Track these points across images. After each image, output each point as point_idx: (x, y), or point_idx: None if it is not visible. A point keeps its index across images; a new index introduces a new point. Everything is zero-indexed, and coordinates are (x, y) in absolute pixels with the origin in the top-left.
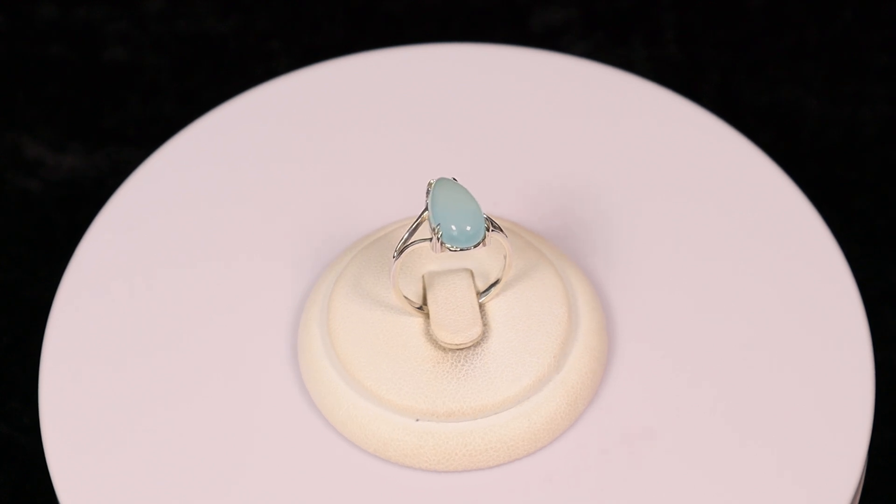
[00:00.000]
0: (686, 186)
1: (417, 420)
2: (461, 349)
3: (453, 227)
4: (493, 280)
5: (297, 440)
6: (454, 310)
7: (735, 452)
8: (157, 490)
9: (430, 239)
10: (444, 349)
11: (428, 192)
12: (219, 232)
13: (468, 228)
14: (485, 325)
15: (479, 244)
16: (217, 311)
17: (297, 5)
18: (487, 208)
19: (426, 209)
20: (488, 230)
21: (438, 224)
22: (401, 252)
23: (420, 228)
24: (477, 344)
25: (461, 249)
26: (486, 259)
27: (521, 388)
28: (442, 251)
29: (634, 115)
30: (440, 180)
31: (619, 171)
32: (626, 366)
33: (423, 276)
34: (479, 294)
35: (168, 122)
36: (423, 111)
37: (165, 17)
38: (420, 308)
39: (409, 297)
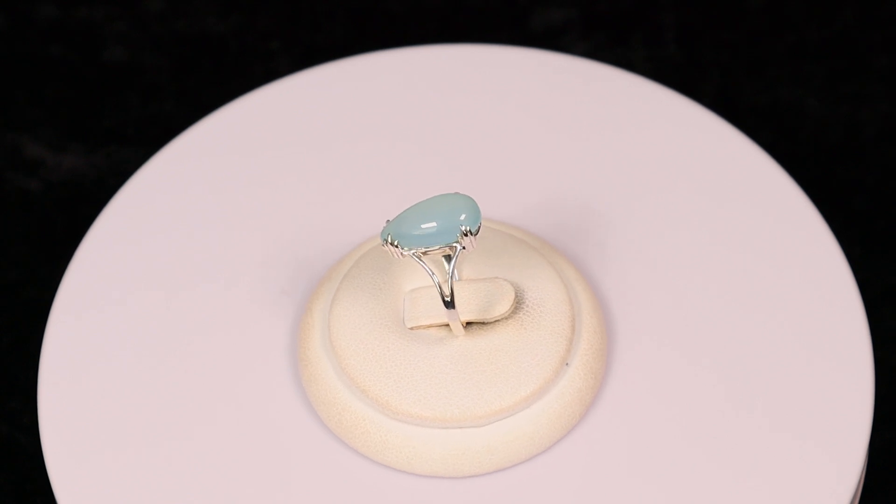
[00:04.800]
0: (686, 186)
1: (567, 364)
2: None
3: (464, 217)
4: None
5: (296, 442)
6: (473, 298)
7: (735, 451)
8: (155, 491)
9: (458, 249)
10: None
11: (395, 245)
12: (220, 234)
13: (463, 217)
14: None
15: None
16: (217, 311)
17: (297, 5)
18: (487, 209)
19: (416, 248)
20: None
21: (461, 223)
22: (452, 295)
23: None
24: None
25: (479, 228)
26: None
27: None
28: (475, 244)
29: (634, 115)
30: (392, 223)
31: (620, 171)
32: (626, 365)
33: (410, 329)
34: (452, 275)
35: (168, 122)
36: (424, 112)
37: (165, 17)
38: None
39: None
